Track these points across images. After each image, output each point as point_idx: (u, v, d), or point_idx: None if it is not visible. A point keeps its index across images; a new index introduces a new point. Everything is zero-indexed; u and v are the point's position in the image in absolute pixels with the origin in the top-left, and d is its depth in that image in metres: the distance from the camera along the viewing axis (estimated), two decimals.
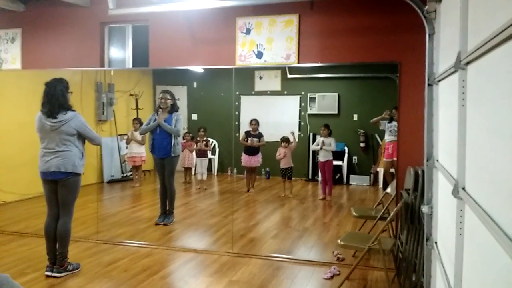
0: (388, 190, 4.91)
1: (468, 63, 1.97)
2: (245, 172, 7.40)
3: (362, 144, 7.46)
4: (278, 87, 7.84)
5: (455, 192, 2.05)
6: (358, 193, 7.52)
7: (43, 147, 4.02)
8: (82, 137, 4.09)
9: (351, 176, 7.65)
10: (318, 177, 7.84)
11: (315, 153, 7.70)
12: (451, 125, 2.34)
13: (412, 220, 3.62)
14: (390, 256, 4.03)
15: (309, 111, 7.78)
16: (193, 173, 8.03)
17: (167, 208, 5.78)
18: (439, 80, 3.02)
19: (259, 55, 4.78)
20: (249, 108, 7.84)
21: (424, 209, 3.23)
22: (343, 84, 7.68)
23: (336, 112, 7.65)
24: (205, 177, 7.37)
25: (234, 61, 4.86)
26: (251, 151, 7.19)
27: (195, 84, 8.08)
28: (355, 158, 7.64)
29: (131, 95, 7.42)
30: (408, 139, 4.34)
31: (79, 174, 4.05)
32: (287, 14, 4.67)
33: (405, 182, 4.10)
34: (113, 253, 4.63)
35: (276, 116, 8.02)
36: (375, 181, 7.46)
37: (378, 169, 7.18)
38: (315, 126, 7.76)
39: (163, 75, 7.86)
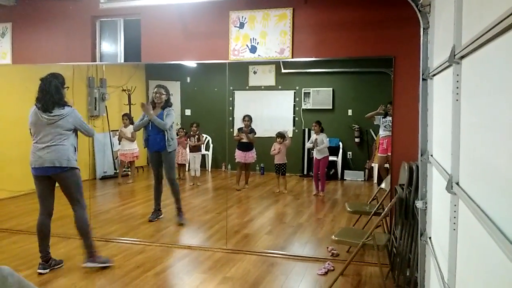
0: (383, 185, 4.90)
1: (462, 57, 1.95)
2: (238, 168, 7.35)
3: (356, 139, 7.44)
4: (272, 82, 7.81)
5: (449, 187, 2.04)
6: (352, 189, 7.52)
7: (37, 142, 3.93)
8: (76, 132, 4.06)
9: (346, 171, 7.64)
10: (312, 172, 7.84)
11: (310, 149, 7.69)
12: (445, 120, 2.33)
13: (406, 216, 3.62)
14: (384, 251, 4.02)
15: (303, 106, 7.75)
16: (186, 169, 8.00)
17: (176, 206, 5.64)
18: (434, 75, 3.00)
19: (253, 49, 4.74)
20: (243, 103, 7.81)
21: (418, 204, 3.22)
22: (337, 79, 7.66)
23: (330, 107, 7.63)
24: (198, 173, 7.33)
25: (228, 56, 4.82)
26: (245, 147, 7.16)
27: (188, 79, 8.02)
28: (349, 153, 7.63)
29: (123, 90, 7.35)
30: (403, 134, 4.33)
31: (75, 168, 3.99)
32: (281, 8, 4.63)
33: (400, 177, 4.09)
34: (106, 250, 4.60)
35: (271, 111, 7.99)
36: (369, 177, 7.45)
37: (372, 165, 7.18)
38: (309, 121, 7.73)
39: (155, 70, 7.80)
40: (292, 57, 4.65)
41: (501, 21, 1.24)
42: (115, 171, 7.70)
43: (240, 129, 7.17)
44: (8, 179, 6.16)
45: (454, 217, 2.05)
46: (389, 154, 4.94)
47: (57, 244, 4.74)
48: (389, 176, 4.60)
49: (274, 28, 4.66)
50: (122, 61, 5.49)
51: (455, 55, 2.01)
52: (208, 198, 7.26)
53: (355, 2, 4.47)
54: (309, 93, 7.70)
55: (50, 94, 3.90)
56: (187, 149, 7.59)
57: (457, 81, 2.03)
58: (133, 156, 7.31)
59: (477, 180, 1.65)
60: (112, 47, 5.45)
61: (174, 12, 4.97)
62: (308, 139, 7.68)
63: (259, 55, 4.73)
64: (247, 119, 7.10)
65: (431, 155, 3.06)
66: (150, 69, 7.82)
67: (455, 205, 2.04)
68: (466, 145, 1.88)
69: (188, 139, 7.19)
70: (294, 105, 7.82)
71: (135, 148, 7.20)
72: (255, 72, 7.78)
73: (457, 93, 2.03)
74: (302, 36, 4.61)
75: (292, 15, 4.61)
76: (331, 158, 7.26)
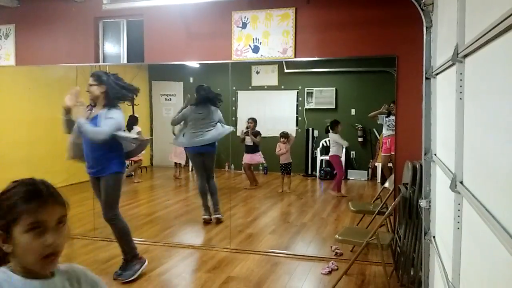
0: (386, 184, 4.90)
1: (465, 56, 1.95)
2: (245, 169, 7.34)
3: (360, 139, 7.44)
4: (275, 82, 7.81)
5: (452, 186, 2.04)
6: (356, 188, 7.51)
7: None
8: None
9: (349, 171, 7.64)
10: (316, 172, 7.84)
11: (313, 148, 7.69)
12: (449, 119, 2.33)
13: (410, 215, 3.61)
14: (388, 250, 4.01)
15: (306, 106, 7.75)
16: (190, 169, 8.01)
17: (215, 203, 5.65)
18: (437, 74, 3.00)
19: (256, 49, 4.74)
20: (246, 103, 7.81)
21: (422, 203, 3.22)
22: (340, 78, 7.65)
23: (333, 106, 7.62)
24: None
25: (230, 56, 4.82)
26: (252, 149, 7.15)
27: (191, 80, 8.03)
28: (353, 153, 7.63)
29: None
30: (406, 133, 4.32)
31: (112, 173, 3.81)
32: (283, 7, 4.63)
33: (403, 176, 4.08)
34: (110, 250, 4.60)
35: (274, 111, 8.00)
36: (373, 176, 7.45)
37: (376, 164, 7.17)
38: (312, 121, 7.74)
39: (158, 71, 7.82)
40: (295, 57, 4.64)
41: (505, 19, 1.24)
42: None
43: (246, 132, 7.14)
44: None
45: (458, 216, 2.04)
46: (393, 153, 4.93)
47: None
48: (392, 175, 4.59)
49: (276, 28, 4.66)
50: (125, 62, 5.50)
51: (458, 54, 2.01)
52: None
53: (357, 1, 4.46)
54: (312, 92, 7.71)
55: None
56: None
57: (461, 80, 2.03)
58: (138, 158, 7.34)
59: (481, 179, 1.65)
60: (115, 48, 5.46)
61: (177, 12, 4.98)
62: (312, 139, 7.69)
63: (261, 55, 4.73)
64: (251, 121, 7.09)
65: (435, 154, 3.05)
66: (153, 70, 7.84)
67: (459, 204, 2.04)
68: (469, 144, 1.88)
69: None
70: (297, 104, 7.82)
71: None
72: (258, 72, 7.79)
73: (461, 92, 2.03)
74: (304, 36, 4.61)
75: (294, 14, 4.61)
76: None
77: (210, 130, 5.52)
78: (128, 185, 7.50)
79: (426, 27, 3.28)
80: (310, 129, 7.76)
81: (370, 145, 7.41)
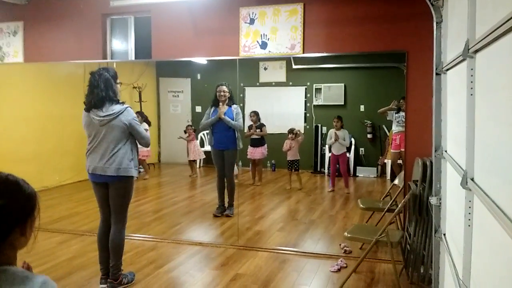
0: (396, 181, 4.86)
1: (476, 51, 1.92)
2: (250, 164, 7.36)
3: (369, 135, 7.39)
4: (283, 78, 7.77)
5: (463, 183, 2.01)
6: (365, 185, 7.47)
7: (90, 145, 3.57)
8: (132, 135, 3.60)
9: (358, 167, 7.60)
10: (325, 169, 7.80)
11: (322, 145, 7.65)
12: (460, 115, 2.29)
13: (420, 212, 3.58)
14: (398, 248, 3.97)
15: (314, 102, 7.71)
16: (198, 166, 8.02)
17: (228, 200, 5.79)
18: (447, 69, 2.96)
19: (263, 45, 4.71)
20: (254, 100, 7.79)
21: (433, 200, 3.19)
22: (349, 74, 7.60)
23: (342, 103, 7.58)
24: None
25: (238, 52, 4.80)
26: (256, 143, 7.14)
27: (198, 76, 8.03)
28: (362, 149, 7.58)
29: (134, 87, 7.39)
30: (416, 129, 4.28)
31: (126, 177, 3.58)
32: (291, 3, 4.59)
33: (413, 173, 4.05)
34: None
35: (282, 108, 7.96)
36: (382, 173, 7.40)
37: (385, 161, 7.12)
38: (321, 117, 7.70)
39: (166, 67, 7.82)
40: (303, 53, 4.61)
41: None
42: None
43: (250, 126, 7.16)
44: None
45: (469, 213, 2.02)
46: (402, 150, 4.89)
47: (69, 241, 4.78)
48: (402, 172, 4.55)
49: (284, 24, 4.63)
50: (133, 58, 5.51)
51: (469, 49, 1.98)
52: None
53: None
54: (320, 89, 7.67)
55: (100, 88, 3.46)
56: (198, 145, 7.62)
57: (472, 76, 2.00)
58: (146, 155, 7.37)
59: (492, 176, 1.62)
60: (122, 45, 5.47)
61: (184, 9, 4.96)
62: (321, 135, 7.64)
63: (269, 51, 4.71)
64: (253, 114, 7.07)
65: (445, 151, 3.02)
66: (161, 66, 7.85)
67: (470, 201, 2.02)
68: (481, 140, 1.85)
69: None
70: (305, 101, 7.78)
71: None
72: (265, 68, 7.76)
73: (472, 88, 2.00)
74: (313, 31, 4.57)
75: (303, 10, 4.57)
76: None
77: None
78: (136, 182, 7.51)
79: (436, 22, 3.24)
80: (319, 125, 7.71)
81: (379, 142, 7.36)
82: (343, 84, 7.54)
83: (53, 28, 5.51)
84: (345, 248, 4.49)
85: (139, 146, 3.72)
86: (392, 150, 6.34)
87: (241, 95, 7.50)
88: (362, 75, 7.52)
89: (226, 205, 5.79)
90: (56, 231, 5.07)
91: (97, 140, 3.51)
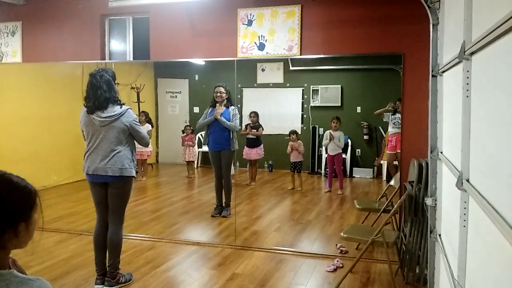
0: (392, 182, 4.89)
1: (472, 53, 1.94)
2: (248, 165, 7.38)
3: (365, 137, 7.42)
4: (280, 80, 7.79)
5: (459, 184, 2.03)
6: (361, 186, 7.49)
7: (89, 145, 3.56)
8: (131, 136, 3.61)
9: (355, 168, 7.61)
10: (321, 170, 7.82)
11: (320, 145, 7.66)
12: (455, 117, 2.32)
13: (416, 213, 3.61)
14: (393, 248, 4.01)
15: (311, 104, 7.73)
16: (195, 166, 8.03)
17: (224, 200, 5.81)
18: (443, 71, 2.99)
19: (261, 47, 4.73)
20: (252, 101, 7.80)
21: (428, 201, 3.21)
22: (346, 76, 7.62)
23: (339, 104, 7.60)
24: None
25: (236, 53, 4.82)
26: (252, 143, 7.16)
27: (196, 77, 8.03)
28: (358, 150, 7.60)
29: (132, 88, 7.39)
30: (412, 131, 4.31)
31: (126, 177, 3.59)
32: (289, 5, 4.62)
33: (409, 174, 4.07)
34: None
35: (279, 109, 7.98)
36: (378, 174, 7.42)
37: (381, 162, 7.15)
38: (318, 118, 7.72)
39: (164, 68, 7.82)
40: (301, 54, 4.64)
41: None
42: None
43: (247, 125, 7.19)
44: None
45: (464, 214, 2.04)
46: (398, 151, 4.91)
47: (67, 240, 4.79)
48: (398, 173, 4.58)
49: (282, 25, 4.65)
50: (131, 59, 5.52)
51: (465, 51, 2.00)
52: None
53: None
54: (317, 90, 7.68)
55: (103, 89, 3.46)
56: (196, 146, 7.63)
57: (467, 78, 2.02)
58: (147, 155, 7.38)
59: (487, 177, 1.64)
60: (121, 45, 5.48)
61: (183, 10, 4.98)
62: (318, 136, 7.66)
63: (267, 53, 4.73)
64: (253, 115, 7.10)
65: (441, 152, 3.04)
66: (159, 67, 7.85)
67: (465, 202, 2.03)
68: (476, 142, 1.87)
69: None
70: (302, 102, 7.80)
71: (149, 147, 7.28)
72: (263, 70, 7.77)
73: (467, 90, 2.02)
74: (310, 33, 4.60)
75: (300, 12, 4.60)
76: None
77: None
78: (134, 182, 7.50)
79: (433, 25, 3.27)
80: (316, 126, 7.74)
81: (375, 143, 7.39)
82: (340, 86, 7.56)
83: (52, 28, 5.52)
84: (341, 248, 4.51)
85: (140, 146, 3.76)
86: (388, 151, 6.37)
87: (239, 96, 7.52)
88: (358, 77, 7.55)
89: (224, 205, 5.79)
90: (53, 231, 5.07)
91: (97, 141, 3.52)
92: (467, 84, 2.02)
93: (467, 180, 1.96)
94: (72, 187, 6.38)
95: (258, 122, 7.11)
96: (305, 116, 7.78)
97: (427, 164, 3.45)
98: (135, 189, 7.39)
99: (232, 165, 5.98)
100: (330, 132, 6.81)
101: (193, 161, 7.81)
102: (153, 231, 5.15)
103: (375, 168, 7.47)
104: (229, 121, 5.62)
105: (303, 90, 7.77)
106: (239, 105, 7.47)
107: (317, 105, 7.70)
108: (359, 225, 4.94)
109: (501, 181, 1.42)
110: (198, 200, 6.67)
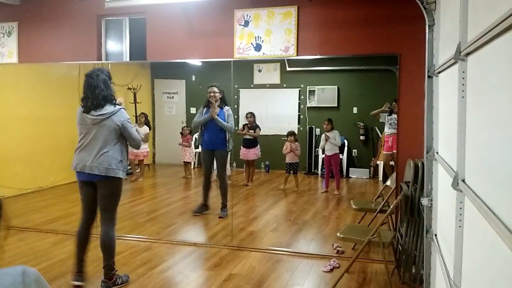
0: (388, 182, 4.90)
1: (468, 54, 1.95)
2: (244, 165, 7.39)
3: (362, 137, 7.43)
4: (277, 80, 7.80)
5: (454, 184, 2.04)
6: (357, 186, 7.51)
7: (80, 143, 3.57)
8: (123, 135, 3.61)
9: (351, 169, 7.63)
10: (318, 170, 7.83)
11: (317, 146, 7.67)
12: (451, 117, 2.33)
13: (412, 213, 3.62)
14: (389, 248, 4.02)
15: (308, 104, 7.74)
16: (192, 167, 8.03)
17: (221, 201, 5.79)
18: (439, 72, 3.00)
19: (258, 47, 4.74)
20: (248, 101, 7.81)
21: (424, 201, 3.22)
22: (342, 77, 7.64)
23: (335, 105, 7.61)
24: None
25: (233, 54, 4.82)
26: (248, 143, 7.17)
27: (193, 78, 8.04)
28: (354, 151, 7.62)
29: (129, 88, 7.39)
30: (408, 131, 4.32)
31: (115, 178, 3.56)
32: (285, 6, 4.63)
33: (405, 174, 4.08)
34: None
35: (276, 109, 7.99)
36: (375, 174, 7.44)
37: (378, 162, 7.17)
38: (314, 119, 7.73)
39: (161, 69, 7.83)
40: (297, 55, 4.65)
41: (508, 17, 1.24)
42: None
43: (244, 125, 7.20)
44: (15, 177, 6.20)
45: (460, 214, 2.04)
46: (395, 151, 4.93)
47: (64, 241, 4.78)
48: (394, 174, 4.60)
49: (279, 26, 4.66)
50: (128, 59, 5.52)
51: (460, 52, 2.01)
52: (213, 196, 7.26)
53: None
54: (314, 91, 7.70)
55: (100, 88, 3.48)
56: (192, 147, 7.63)
57: (463, 78, 2.03)
58: (143, 156, 7.37)
59: (483, 177, 1.65)
60: (117, 46, 5.48)
61: (179, 10, 4.98)
62: (315, 137, 7.67)
63: (264, 53, 4.74)
64: (250, 115, 7.11)
65: (437, 152, 3.05)
66: (156, 68, 7.85)
67: (461, 202, 2.04)
68: (472, 142, 1.88)
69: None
70: (299, 103, 7.81)
71: (146, 147, 7.29)
72: (260, 70, 7.78)
73: (463, 90, 2.03)
74: (307, 34, 4.61)
75: (297, 13, 4.61)
76: None
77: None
78: (130, 183, 7.51)
79: (429, 26, 3.29)
80: (313, 127, 7.75)
81: (372, 143, 7.41)
82: (336, 87, 7.58)
83: (48, 29, 5.51)
84: (337, 248, 4.52)
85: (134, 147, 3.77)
86: (384, 152, 6.38)
87: (236, 96, 7.52)
88: (355, 78, 7.57)
89: (220, 205, 5.79)
90: (50, 232, 5.07)
91: (88, 139, 3.54)
92: (463, 84, 2.03)
93: (463, 181, 1.97)
94: (68, 188, 6.36)
95: (255, 123, 7.12)
96: (301, 116, 7.79)
97: (423, 164, 3.46)
98: (132, 189, 7.39)
99: (228, 165, 5.98)
100: (325, 134, 6.83)
101: (190, 162, 7.81)
102: (149, 232, 5.14)
103: (372, 168, 7.49)
104: (224, 121, 5.62)
105: (299, 90, 7.78)
106: (235, 106, 7.48)
107: (313, 105, 7.71)
108: (355, 225, 4.95)
109: (497, 182, 1.42)
110: (194, 201, 6.65)
